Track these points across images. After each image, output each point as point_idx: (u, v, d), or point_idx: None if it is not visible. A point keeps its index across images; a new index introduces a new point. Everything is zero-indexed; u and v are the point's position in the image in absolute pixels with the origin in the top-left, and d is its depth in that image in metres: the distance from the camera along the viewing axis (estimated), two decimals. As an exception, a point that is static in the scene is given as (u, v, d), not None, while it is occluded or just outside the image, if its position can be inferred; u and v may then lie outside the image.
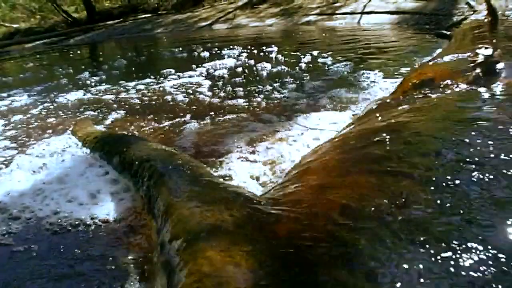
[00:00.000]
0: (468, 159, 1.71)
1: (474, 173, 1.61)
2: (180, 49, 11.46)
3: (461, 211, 1.41)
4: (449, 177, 1.61)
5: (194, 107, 5.53)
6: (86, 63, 11.56)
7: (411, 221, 1.42)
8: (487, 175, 1.58)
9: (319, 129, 4.06)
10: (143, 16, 22.20)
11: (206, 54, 9.96)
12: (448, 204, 1.46)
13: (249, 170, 3.33)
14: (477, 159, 1.71)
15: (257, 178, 3.18)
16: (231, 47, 10.35)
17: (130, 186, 2.94)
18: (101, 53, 14.98)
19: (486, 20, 5.88)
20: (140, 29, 19.31)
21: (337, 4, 15.16)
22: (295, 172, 2.30)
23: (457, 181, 1.57)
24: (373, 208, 1.54)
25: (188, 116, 5.08)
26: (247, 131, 4.27)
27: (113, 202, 3.00)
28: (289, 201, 1.82)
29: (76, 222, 2.81)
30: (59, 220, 2.86)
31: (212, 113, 5.09)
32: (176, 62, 9.71)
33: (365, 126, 2.74)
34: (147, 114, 5.34)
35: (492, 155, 1.72)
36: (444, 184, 1.58)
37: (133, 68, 9.11)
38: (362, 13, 13.44)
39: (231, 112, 5.04)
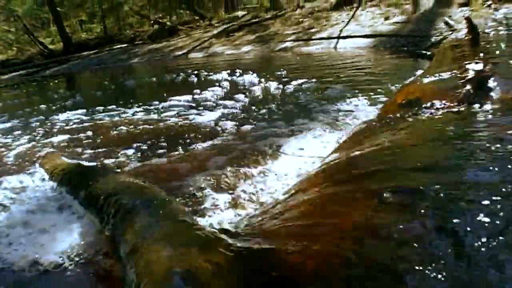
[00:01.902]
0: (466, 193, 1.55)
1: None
2: (155, 78, 11.33)
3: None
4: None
5: (170, 135, 5.30)
6: (60, 94, 11.27)
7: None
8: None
9: (303, 156, 3.86)
10: (119, 46, 22.06)
11: (182, 82, 9.81)
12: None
13: (228, 202, 3.09)
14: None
15: (236, 211, 2.94)
16: (207, 74, 10.24)
17: (96, 224, 2.67)
18: (76, 83, 14.86)
19: (466, 38, 5.76)
20: (116, 59, 19.15)
21: (313, 30, 15.10)
22: (281, 205, 2.07)
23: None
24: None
25: (164, 144, 4.88)
26: (225, 160, 4.04)
27: (79, 244, 2.73)
28: (274, 238, 1.59)
29: (36, 270, 2.53)
30: (22, 268, 2.58)
31: (189, 141, 4.89)
32: (150, 91, 9.56)
33: (351, 153, 2.53)
34: (121, 144, 5.10)
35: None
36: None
37: (107, 98, 8.92)
38: (339, 37, 13.37)
39: (210, 139, 4.85)
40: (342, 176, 2.14)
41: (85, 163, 4.34)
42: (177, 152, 4.52)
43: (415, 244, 1.31)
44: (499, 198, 1.44)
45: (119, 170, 3.95)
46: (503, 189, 1.52)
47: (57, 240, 2.83)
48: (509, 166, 1.69)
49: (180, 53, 17.63)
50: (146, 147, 4.87)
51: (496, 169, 1.68)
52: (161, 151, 4.68)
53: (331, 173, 2.34)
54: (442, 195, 1.54)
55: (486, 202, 1.43)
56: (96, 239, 2.69)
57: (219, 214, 2.91)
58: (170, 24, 23.99)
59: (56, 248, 2.74)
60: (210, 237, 1.64)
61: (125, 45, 22.21)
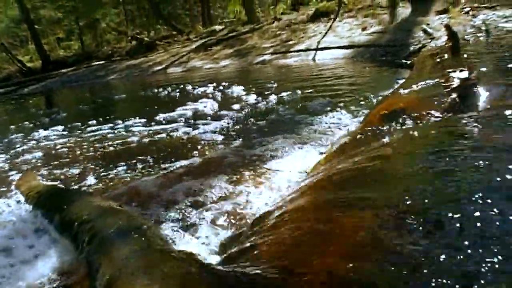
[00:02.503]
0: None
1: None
2: (134, 94, 11.27)
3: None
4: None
5: (149, 152, 5.18)
6: (38, 112, 11.11)
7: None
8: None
9: (283, 171, 3.77)
10: (97, 63, 21.94)
11: (160, 97, 9.76)
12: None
13: (211, 221, 2.97)
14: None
15: (219, 231, 2.81)
16: (186, 89, 10.21)
17: (72, 251, 2.53)
18: (54, 101, 14.71)
19: (446, 46, 5.72)
20: (94, 76, 19.08)
21: (290, 42, 15.05)
22: (266, 225, 1.96)
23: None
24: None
25: (142, 163, 4.76)
26: (204, 177, 3.92)
27: (55, 271, 2.59)
28: (257, 265, 1.48)
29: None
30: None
31: (168, 158, 4.79)
32: (128, 107, 9.43)
33: (336, 168, 2.43)
34: (98, 163, 5.00)
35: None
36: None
37: (85, 116, 8.74)
38: (317, 49, 13.31)
39: (189, 155, 4.76)
40: (329, 197, 2.03)
41: (61, 185, 4.21)
42: (156, 170, 4.40)
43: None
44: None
45: (94, 193, 3.80)
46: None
47: (34, 267, 2.69)
48: (498, 178, 1.63)
49: (158, 68, 17.53)
50: (124, 166, 4.74)
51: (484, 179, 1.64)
52: (139, 169, 4.55)
53: (316, 190, 2.23)
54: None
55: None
56: (73, 266, 2.56)
57: (199, 237, 2.78)
58: (148, 39, 23.86)
59: (33, 276, 2.61)
60: (190, 268, 1.52)
61: (103, 61, 22.10)
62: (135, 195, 3.77)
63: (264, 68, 13.37)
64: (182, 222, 3.05)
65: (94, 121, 7.62)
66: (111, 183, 4.24)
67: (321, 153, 3.97)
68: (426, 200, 1.59)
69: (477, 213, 1.43)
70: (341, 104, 6.10)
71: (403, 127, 2.82)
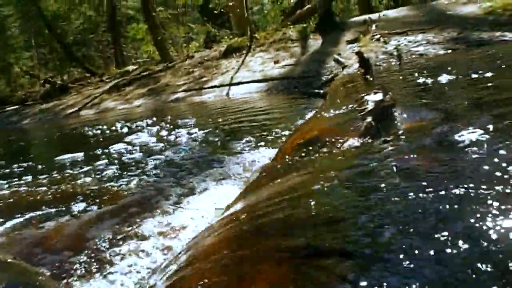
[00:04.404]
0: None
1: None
2: (45, 138, 10.90)
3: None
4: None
5: (55, 199, 4.77)
6: None
7: None
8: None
9: (199, 209, 3.54)
10: (9, 108, 21.24)
11: (70, 140, 9.47)
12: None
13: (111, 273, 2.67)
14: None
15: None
16: (97, 130, 9.84)
17: None
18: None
19: (359, 72, 5.70)
20: (8, 121, 18.49)
21: (204, 79, 14.92)
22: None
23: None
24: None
25: (44, 211, 4.32)
26: (109, 224, 3.62)
27: None
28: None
29: None
30: None
31: (74, 203, 4.38)
32: (37, 152, 8.97)
33: (251, 203, 2.23)
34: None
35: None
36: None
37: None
38: (230, 84, 13.24)
39: (97, 200, 4.41)
40: (240, 241, 1.82)
41: None
42: (58, 218, 4.04)
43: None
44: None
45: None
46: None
47: None
48: (416, 203, 1.57)
49: (71, 111, 17.02)
50: (24, 215, 4.32)
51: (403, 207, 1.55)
52: (39, 217, 4.16)
53: (226, 236, 2.00)
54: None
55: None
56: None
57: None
58: (61, 82, 23.24)
59: None
60: None
61: (17, 106, 21.46)
62: (29, 245, 3.40)
63: (178, 106, 13.17)
64: (73, 276, 2.73)
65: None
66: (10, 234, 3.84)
67: (237, 190, 3.77)
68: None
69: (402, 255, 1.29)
70: (257, 137, 5.98)
71: (316, 156, 2.64)
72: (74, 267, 2.86)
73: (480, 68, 4.97)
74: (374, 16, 14.80)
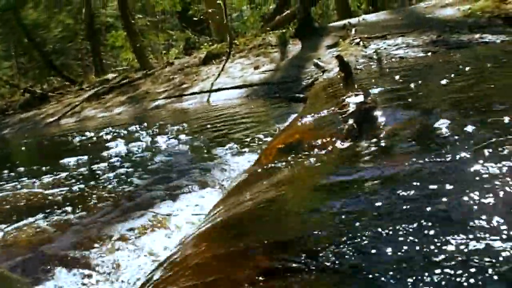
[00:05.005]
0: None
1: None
2: (23, 148, 10.82)
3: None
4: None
5: (28, 207, 4.74)
6: None
7: None
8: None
9: (179, 215, 3.49)
10: (-10, 118, 20.85)
11: (49, 149, 9.51)
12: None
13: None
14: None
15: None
16: (78, 139, 9.75)
17: None
18: None
19: (339, 76, 5.69)
20: (-12, 131, 18.06)
21: (184, 86, 14.84)
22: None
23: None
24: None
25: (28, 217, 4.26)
26: (83, 231, 3.56)
27: None
28: None
29: None
30: None
31: (49, 211, 4.36)
32: (18, 160, 8.81)
33: (232, 210, 2.19)
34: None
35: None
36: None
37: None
38: (210, 91, 13.17)
39: (74, 208, 4.33)
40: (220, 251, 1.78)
41: None
42: (38, 223, 3.97)
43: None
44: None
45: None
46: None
47: None
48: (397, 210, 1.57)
49: (51, 120, 16.85)
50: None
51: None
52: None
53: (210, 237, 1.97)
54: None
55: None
56: None
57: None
58: (41, 91, 23.00)
59: None
60: None
61: (-3, 116, 21.09)
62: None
63: (158, 113, 13.09)
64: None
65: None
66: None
67: (220, 195, 3.73)
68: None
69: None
70: (238, 143, 5.94)
71: (298, 160, 2.61)
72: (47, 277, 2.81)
73: (460, 69, 4.99)
74: (354, 20, 14.81)
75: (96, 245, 3.22)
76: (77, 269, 2.86)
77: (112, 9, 29.51)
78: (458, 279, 1.16)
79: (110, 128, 10.33)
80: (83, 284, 2.64)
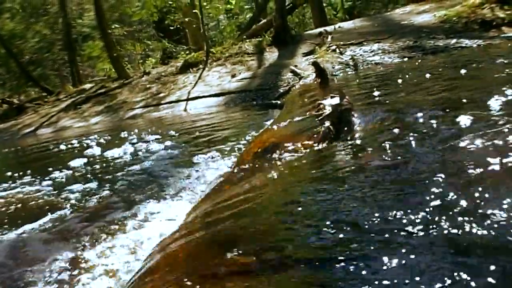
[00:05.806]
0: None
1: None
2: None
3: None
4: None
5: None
6: None
7: None
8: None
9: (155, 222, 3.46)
10: (-32, 129, 20.57)
11: (25, 160, 9.32)
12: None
13: None
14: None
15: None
16: (53, 150, 9.72)
17: None
18: None
19: (315, 82, 5.71)
20: (-35, 143, 17.79)
21: (161, 95, 14.79)
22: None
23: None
24: None
25: None
26: (60, 241, 3.50)
27: None
28: None
29: None
30: None
31: (24, 219, 4.26)
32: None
33: (208, 213, 2.18)
34: None
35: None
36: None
37: None
38: (188, 99, 13.15)
39: (48, 215, 4.27)
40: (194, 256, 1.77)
41: None
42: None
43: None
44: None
45: None
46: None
47: None
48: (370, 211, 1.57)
49: (28, 130, 16.69)
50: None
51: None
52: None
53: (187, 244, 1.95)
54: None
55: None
56: None
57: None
58: (18, 102, 22.81)
59: None
60: None
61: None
62: None
63: (136, 122, 13.02)
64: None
65: None
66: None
67: (197, 200, 3.70)
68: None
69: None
70: (216, 149, 5.93)
71: (273, 164, 2.60)
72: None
73: (435, 73, 5.03)
74: (330, 28, 14.93)
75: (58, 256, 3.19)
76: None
77: (89, 19, 29.33)
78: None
79: (85, 138, 10.24)
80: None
